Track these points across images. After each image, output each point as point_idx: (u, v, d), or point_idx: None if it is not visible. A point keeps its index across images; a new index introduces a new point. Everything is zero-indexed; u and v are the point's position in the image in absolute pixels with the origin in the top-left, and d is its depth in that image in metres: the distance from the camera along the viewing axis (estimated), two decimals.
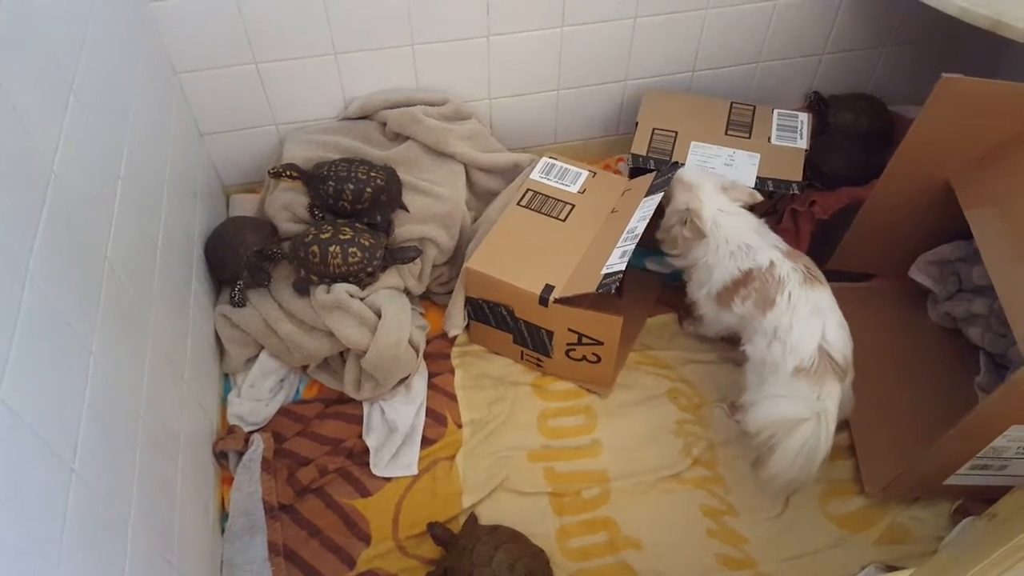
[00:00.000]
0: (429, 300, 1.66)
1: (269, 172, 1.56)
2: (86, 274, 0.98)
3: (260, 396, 1.46)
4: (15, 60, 0.89)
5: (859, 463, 1.41)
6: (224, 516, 1.35)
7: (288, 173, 1.54)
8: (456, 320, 1.55)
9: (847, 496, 1.39)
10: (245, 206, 1.70)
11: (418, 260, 1.55)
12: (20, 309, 0.80)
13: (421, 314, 1.61)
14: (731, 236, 1.35)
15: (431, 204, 1.59)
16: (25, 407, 0.77)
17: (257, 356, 1.50)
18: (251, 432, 1.42)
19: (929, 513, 1.36)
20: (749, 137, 1.64)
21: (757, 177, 1.55)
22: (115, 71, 1.21)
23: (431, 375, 1.54)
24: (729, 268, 1.35)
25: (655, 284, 1.65)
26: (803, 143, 1.63)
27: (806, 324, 1.26)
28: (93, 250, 1.01)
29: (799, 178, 1.55)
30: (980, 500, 1.32)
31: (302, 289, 1.47)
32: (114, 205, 1.10)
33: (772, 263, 1.31)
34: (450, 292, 1.59)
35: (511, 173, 1.69)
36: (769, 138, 1.63)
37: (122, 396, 1.02)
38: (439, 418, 1.49)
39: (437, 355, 1.58)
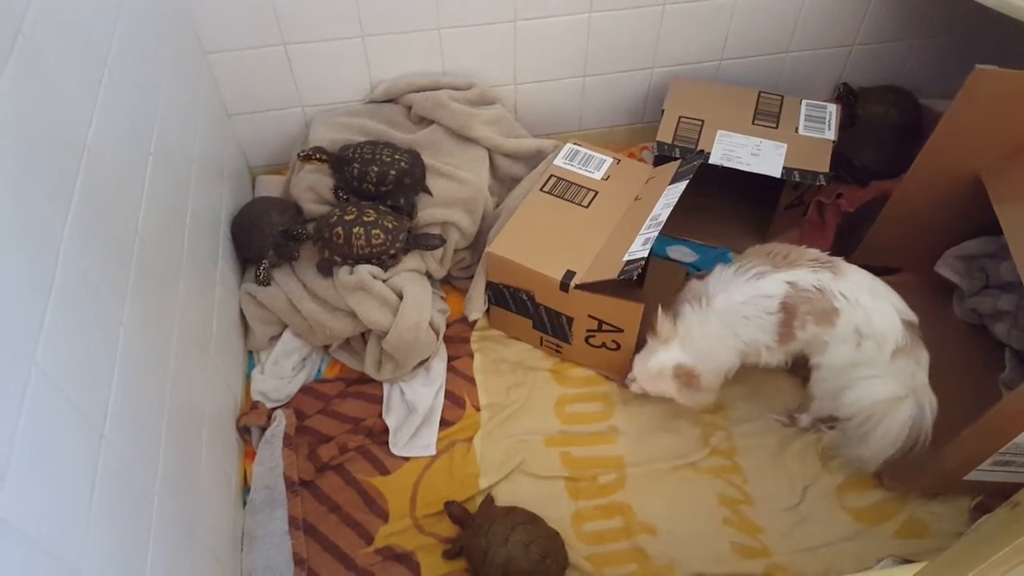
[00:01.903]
0: (450, 284, 1.67)
1: (299, 155, 1.58)
2: (117, 246, 1.00)
3: (283, 374, 1.48)
4: (54, 34, 0.91)
5: None
6: (246, 489, 1.37)
7: (318, 156, 1.56)
8: (476, 304, 1.56)
9: (865, 489, 1.39)
10: (271, 187, 1.72)
11: None
12: (55, 276, 0.82)
13: (442, 298, 1.62)
14: (721, 327, 1.30)
15: (454, 188, 1.60)
16: (58, 372, 0.79)
17: (281, 334, 1.52)
18: (274, 408, 1.45)
19: (948, 508, 1.35)
20: (776, 127, 1.62)
21: (784, 167, 1.54)
22: (147, 48, 1.22)
23: (450, 358, 1.56)
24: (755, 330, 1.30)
25: (677, 273, 1.64)
26: (831, 134, 1.61)
27: (877, 309, 1.25)
28: (124, 223, 1.03)
29: (826, 169, 1.54)
30: (1000, 497, 1.31)
31: (326, 270, 1.49)
32: (144, 180, 1.12)
33: (792, 284, 1.26)
34: (471, 277, 1.60)
35: (535, 159, 1.69)
36: (797, 128, 1.62)
37: (151, 367, 1.05)
38: (458, 401, 1.51)
39: (457, 339, 1.59)
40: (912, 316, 1.27)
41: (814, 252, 1.31)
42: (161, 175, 1.17)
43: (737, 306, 1.28)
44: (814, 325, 1.27)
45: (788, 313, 1.27)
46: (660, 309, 1.34)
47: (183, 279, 1.21)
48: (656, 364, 1.35)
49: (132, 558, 0.91)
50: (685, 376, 1.33)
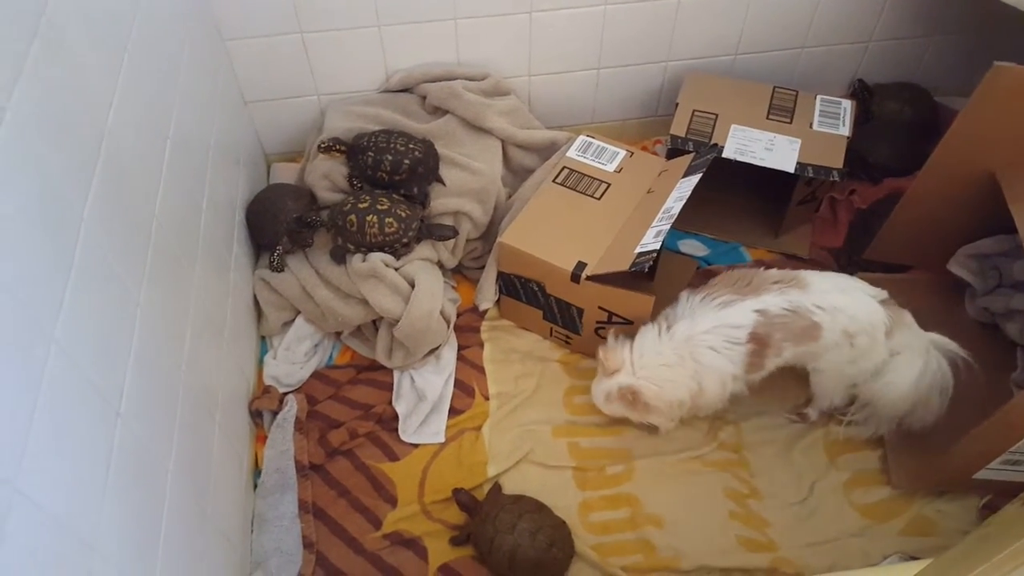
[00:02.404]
0: (461, 274, 1.68)
1: (319, 147, 1.59)
2: (135, 228, 1.01)
3: (295, 359, 1.50)
4: (77, 18, 0.92)
5: (887, 453, 1.40)
6: (257, 473, 1.39)
7: (337, 147, 1.57)
8: (487, 294, 1.57)
9: (873, 486, 1.39)
10: (285, 174, 1.73)
11: None
12: (75, 256, 0.83)
13: (453, 287, 1.63)
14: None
15: (467, 178, 1.61)
16: (77, 350, 0.81)
17: (293, 320, 1.54)
18: (285, 393, 1.46)
19: (956, 507, 1.35)
20: (790, 122, 1.62)
21: (797, 163, 1.53)
22: (166, 34, 1.24)
23: (460, 347, 1.57)
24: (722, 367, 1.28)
25: (689, 266, 1.64)
26: (845, 130, 1.61)
27: (855, 304, 1.25)
28: (143, 207, 1.04)
29: (840, 165, 1.53)
30: (1009, 496, 1.30)
31: (339, 257, 1.50)
32: (163, 164, 1.13)
33: (761, 312, 1.24)
34: (482, 267, 1.61)
35: (548, 150, 1.70)
36: (811, 124, 1.62)
37: (166, 349, 1.06)
38: (467, 389, 1.51)
39: (467, 328, 1.60)
40: (883, 293, 1.28)
41: (775, 273, 1.29)
42: (179, 160, 1.19)
43: (701, 336, 1.26)
44: (794, 347, 1.27)
45: (759, 343, 1.26)
46: (610, 336, 1.33)
47: (199, 263, 1.22)
48: (603, 391, 1.34)
49: (145, 536, 0.93)
50: (631, 396, 1.31)
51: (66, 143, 0.86)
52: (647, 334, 1.31)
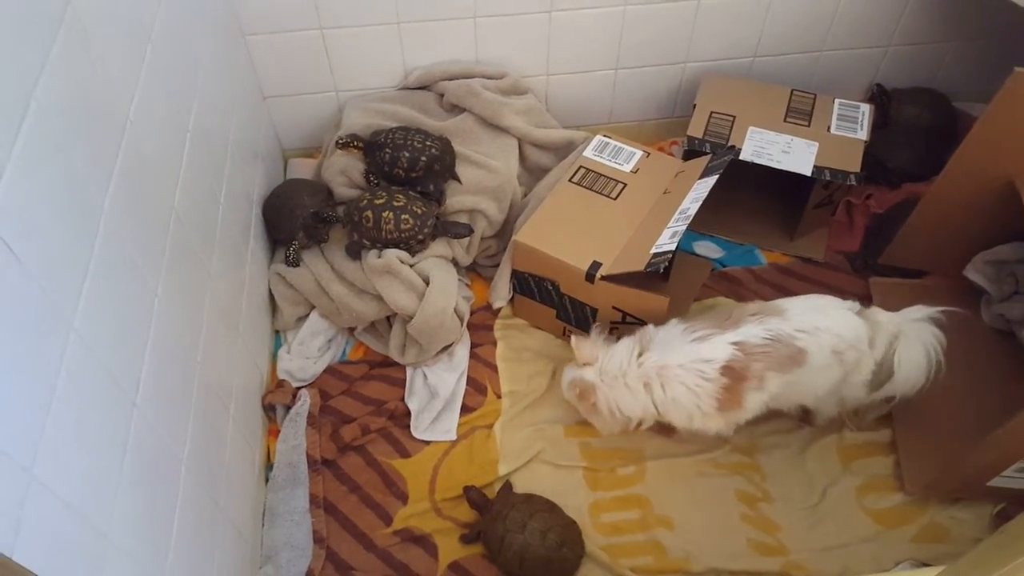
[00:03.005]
0: (475, 272, 1.68)
1: (337, 143, 1.59)
2: (154, 220, 1.02)
3: (309, 354, 1.50)
4: (101, 9, 0.92)
5: (900, 459, 1.39)
6: (269, 466, 1.39)
7: (355, 144, 1.58)
8: (501, 292, 1.57)
9: (886, 492, 1.38)
10: (302, 169, 1.74)
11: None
12: (95, 246, 0.84)
13: (467, 285, 1.64)
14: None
15: (483, 176, 1.61)
16: (95, 339, 0.82)
17: (308, 315, 1.54)
18: (299, 388, 1.47)
19: (970, 514, 1.34)
20: (808, 125, 1.61)
21: (814, 166, 1.53)
22: (188, 28, 1.24)
23: (473, 345, 1.57)
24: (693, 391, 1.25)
25: (704, 268, 1.64)
26: (863, 134, 1.60)
27: (837, 321, 1.24)
28: (162, 199, 1.05)
29: (857, 169, 1.53)
30: None
31: (354, 253, 1.51)
32: (182, 157, 1.14)
33: (739, 345, 1.21)
34: (496, 265, 1.61)
35: (564, 150, 1.70)
36: (829, 127, 1.61)
37: (182, 341, 1.07)
38: (479, 387, 1.52)
39: (480, 326, 1.60)
40: (855, 305, 1.28)
41: (752, 306, 1.28)
42: (198, 153, 1.19)
43: (674, 369, 1.23)
44: (779, 376, 1.24)
45: (734, 377, 1.22)
46: (594, 330, 1.34)
47: (216, 257, 1.23)
48: (568, 377, 1.35)
49: (158, 526, 0.94)
50: (585, 393, 1.30)
51: (88, 135, 0.86)
52: (622, 348, 1.29)
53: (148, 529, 0.91)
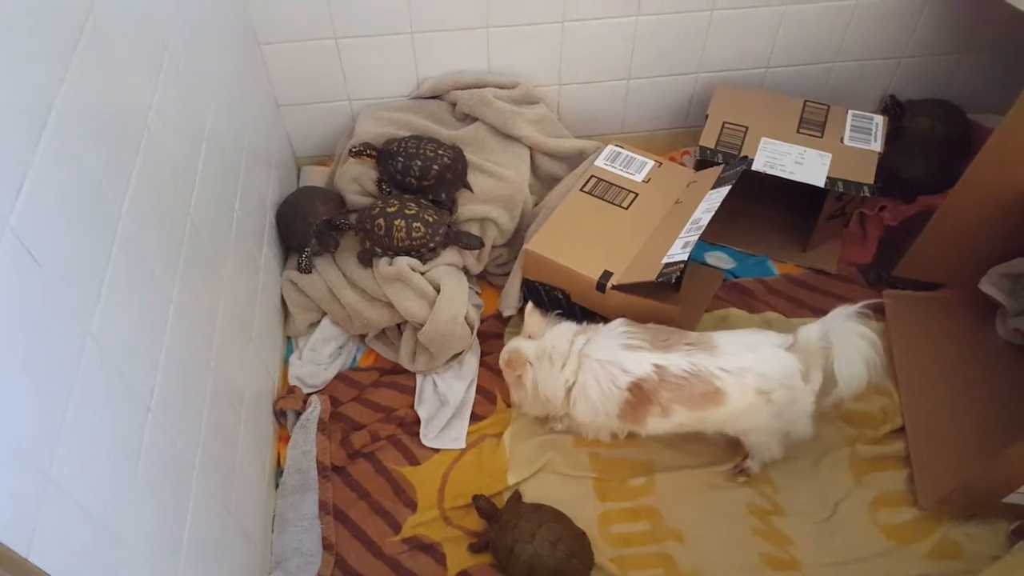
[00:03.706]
0: (486, 280, 1.68)
1: (350, 151, 1.60)
2: (170, 226, 1.02)
3: (320, 360, 1.51)
4: (121, 17, 0.94)
5: (914, 474, 1.38)
6: (279, 472, 1.40)
7: (368, 152, 1.59)
8: (511, 301, 1.57)
9: (899, 507, 1.36)
10: (315, 177, 1.75)
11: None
12: (112, 251, 0.85)
13: (477, 293, 1.64)
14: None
15: (495, 185, 1.61)
16: (111, 344, 0.82)
17: (319, 322, 1.55)
18: (309, 394, 1.47)
19: (984, 531, 1.32)
20: (821, 136, 1.61)
21: (828, 177, 1.52)
22: (205, 37, 1.26)
23: (484, 353, 1.57)
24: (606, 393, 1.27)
25: (715, 279, 1.63)
26: (877, 146, 1.59)
27: (765, 360, 1.22)
28: (178, 205, 1.06)
29: (871, 181, 1.52)
30: None
31: (366, 260, 1.51)
32: (198, 164, 1.15)
33: (658, 368, 1.23)
34: (507, 273, 1.61)
35: (575, 159, 1.70)
36: (842, 139, 1.61)
37: (196, 346, 1.07)
38: (489, 396, 1.52)
39: (490, 334, 1.60)
40: (788, 339, 1.24)
41: (692, 335, 1.28)
42: (213, 160, 1.20)
43: (594, 361, 1.26)
44: (688, 412, 1.24)
45: (640, 397, 1.24)
46: (552, 315, 1.36)
47: (230, 263, 1.24)
48: (511, 346, 1.36)
49: (171, 531, 0.94)
50: (511, 359, 1.33)
51: (107, 141, 0.87)
52: (564, 327, 1.32)
53: (160, 533, 0.91)
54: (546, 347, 1.31)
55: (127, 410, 0.85)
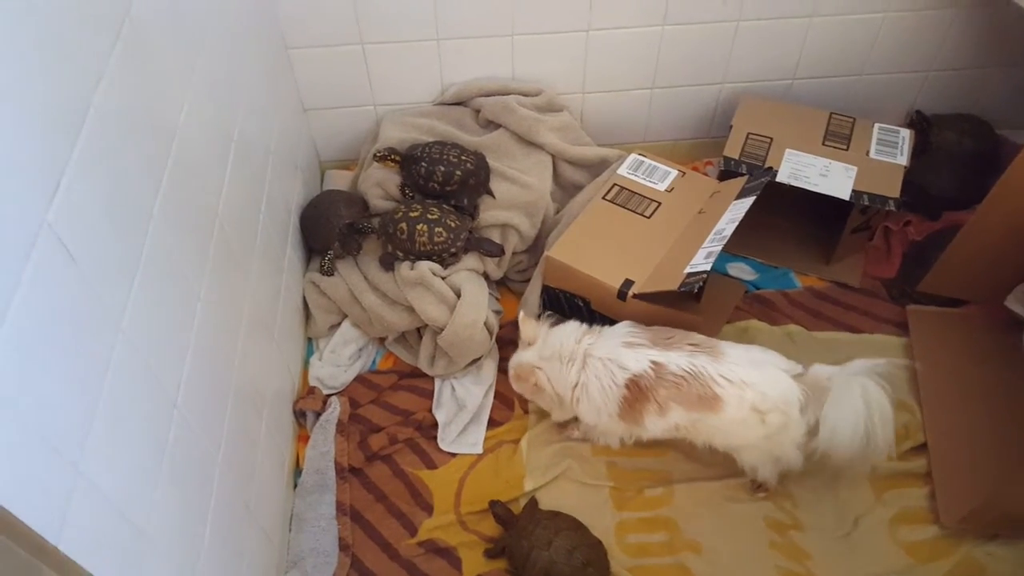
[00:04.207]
0: (505, 286, 1.69)
1: (375, 155, 1.61)
2: (200, 226, 1.04)
3: (340, 362, 1.52)
4: (157, 19, 0.95)
5: (936, 491, 1.37)
6: (297, 472, 1.41)
7: (392, 157, 1.60)
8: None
9: (920, 524, 1.35)
10: (339, 181, 1.76)
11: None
12: (143, 249, 0.86)
13: (496, 299, 1.64)
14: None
15: (517, 192, 1.62)
16: (141, 340, 0.83)
17: (340, 324, 1.56)
18: (329, 395, 1.48)
19: (1008, 551, 1.30)
20: (847, 149, 1.60)
21: (853, 190, 1.52)
22: (235, 40, 1.27)
23: (502, 359, 1.57)
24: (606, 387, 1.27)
25: (737, 290, 1.63)
26: (903, 160, 1.58)
27: (767, 380, 1.20)
28: (207, 206, 1.07)
29: (896, 194, 1.51)
30: None
31: (387, 264, 1.52)
32: (227, 166, 1.16)
33: (656, 365, 1.23)
34: (527, 280, 1.62)
35: (598, 167, 1.70)
36: (868, 152, 1.60)
37: (222, 345, 1.09)
38: (507, 402, 1.52)
39: (509, 341, 1.59)
40: (797, 368, 1.22)
41: (697, 337, 1.27)
42: (242, 162, 1.22)
43: (596, 360, 1.27)
44: (685, 412, 1.23)
45: (636, 394, 1.24)
46: (522, 314, 1.37)
47: (255, 264, 1.25)
48: (514, 361, 1.37)
49: (193, 526, 0.95)
50: (518, 373, 1.34)
51: (141, 141, 0.89)
52: (571, 326, 1.33)
53: (183, 529, 0.92)
54: (554, 346, 1.31)
55: (154, 406, 0.87)
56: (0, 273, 0.62)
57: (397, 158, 1.60)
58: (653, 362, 1.24)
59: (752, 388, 1.20)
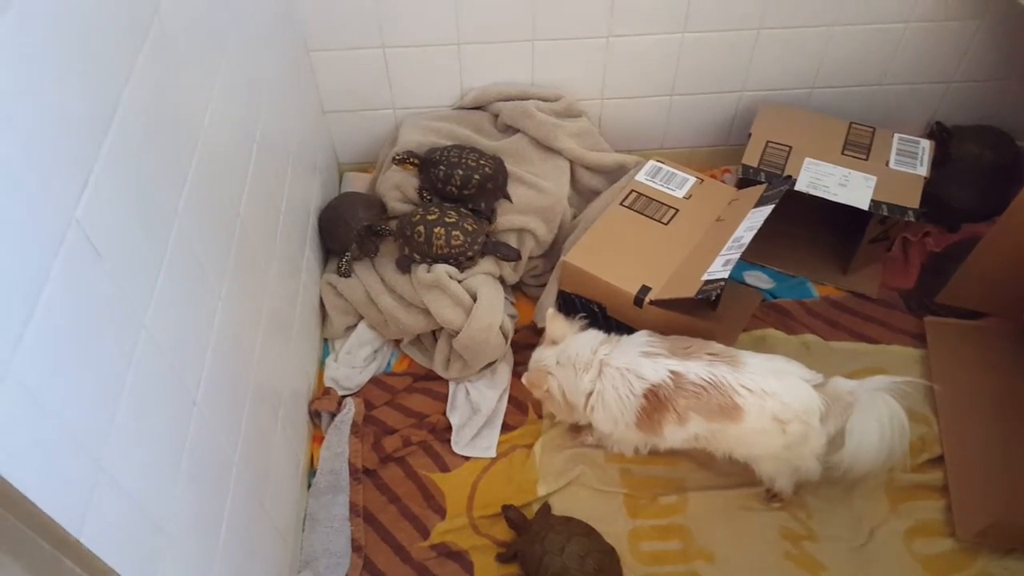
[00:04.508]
0: (521, 291, 1.69)
1: (394, 159, 1.62)
2: (222, 226, 1.05)
3: (355, 363, 1.53)
4: (184, 20, 0.96)
5: (952, 504, 1.35)
6: (311, 472, 1.41)
7: (411, 160, 1.61)
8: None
9: (935, 537, 1.34)
10: (357, 184, 1.77)
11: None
12: (168, 247, 0.87)
13: (512, 303, 1.64)
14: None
15: (534, 197, 1.62)
16: (163, 337, 0.84)
17: (356, 325, 1.57)
18: (344, 396, 1.48)
19: None
20: (866, 159, 1.60)
21: (872, 200, 1.51)
22: (259, 42, 1.29)
23: (516, 363, 1.57)
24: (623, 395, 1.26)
25: (754, 299, 1.62)
26: (923, 170, 1.58)
27: (788, 390, 1.20)
28: (229, 205, 1.08)
29: (916, 205, 1.50)
30: None
31: (404, 266, 1.53)
32: (249, 166, 1.17)
33: (675, 375, 1.22)
34: (542, 285, 1.62)
35: (616, 173, 1.70)
36: (887, 162, 1.59)
37: (241, 344, 1.09)
38: (521, 406, 1.52)
39: (524, 345, 1.60)
40: (818, 378, 1.22)
41: (716, 346, 1.27)
42: (263, 163, 1.23)
43: (613, 369, 1.26)
44: (705, 422, 1.23)
45: (655, 404, 1.23)
46: (551, 310, 1.37)
47: (274, 264, 1.26)
48: (536, 358, 1.36)
49: (209, 524, 0.96)
50: (531, 380, 1.33)
51: (167, 139, 0.90)
52: (589, 335, 1.33)
53: (200, 525, 0.92)
54: (570, 354, 1.31)
55: (174, 403, 0.87)
56: (30, 268, 0.63)
57: (416, 161, 1.61)
58: (672, 372, 1.23)
59: (773, 398, 1.20)
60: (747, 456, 1.31)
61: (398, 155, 1.61)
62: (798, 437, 1.21)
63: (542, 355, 1.35)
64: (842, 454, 1.22)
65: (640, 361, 1.26)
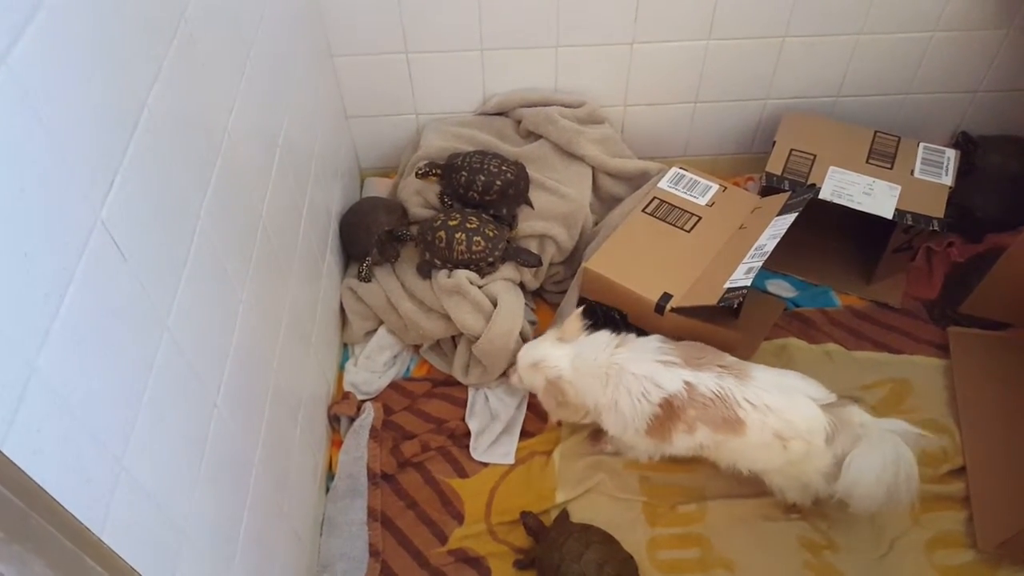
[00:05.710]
0: (541, 297, 1.69)
1: (416, 174, 1.62)
2: (244, 229, 1.05)
3: (374, 368, 1.53)
4: (210, 23, 0.97)
5: (974, 515, 1.33)
6: (330, 477, 1.41)
7: (434, 172, 1.61)
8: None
9: (956, 548, 1.32)
10: (378, 189, 1.78)
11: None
12: (190, 250, 0.88)
13: (532, 310, 1.64)
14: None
15: (556, 203, 1.62)
16: (185, 339, 0.85)
17: (376, 330, 1.57)
18: (363, 401, 1.49)
19: None
20: (891, 168, 1.58)
21: (896, 209, 1.49)
22: (283, 46, 1.30)
23: None
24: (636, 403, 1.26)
25: (776, 307, 1.61)
26: (948, 180, 1.55)
27: (792, 407, 1.19)
28: (252, 209, 1.09)
29: (941, 215, 1.48)
30: None
31: (425, 272, 1.53)
32: (272, 170, 1.18)
33: (689, 385, 1.22)
34: (563, 292, 1.61)
35: (638, 180, 1.70)
36: (912, 171, 1.57)
37: (261, 347, 1.10)
38: (540, 413, 1.51)
39: None
40: (830, 396, 1.20)
41: (728, 358, 1.26)
42: (286, 167, 1.24)
43: (629, 375, 1.26)
44: (711, 432, 1.22)
45: (668, 413, 1.23)
46: (578, 311, 1.35)
47: (295, 268, 1.27)
48: (540, 354, 1.33)
49: (228, 526, 0.96)
50: (554, 382, 1.31)
51: (191, 143, 0.90)
52: (602, 336, 1.32)
53: (219, 527, 0.93)
54: (584, 357, 1.30)
55: (196, 404, 0.88)
56: (56, 268, 0.63)
57: (438, 172, 1.61)
58: (686, 382, 1.23)
59: (775, 414, 1.19)
60: (750, 469, 1.30)
61: (420, 170, 1.62)
62: (800, 455, 1.20)
63: (547, 353, 1.33)
64: (834, 486, 1.21)
65: (656, 369, 1.25)
